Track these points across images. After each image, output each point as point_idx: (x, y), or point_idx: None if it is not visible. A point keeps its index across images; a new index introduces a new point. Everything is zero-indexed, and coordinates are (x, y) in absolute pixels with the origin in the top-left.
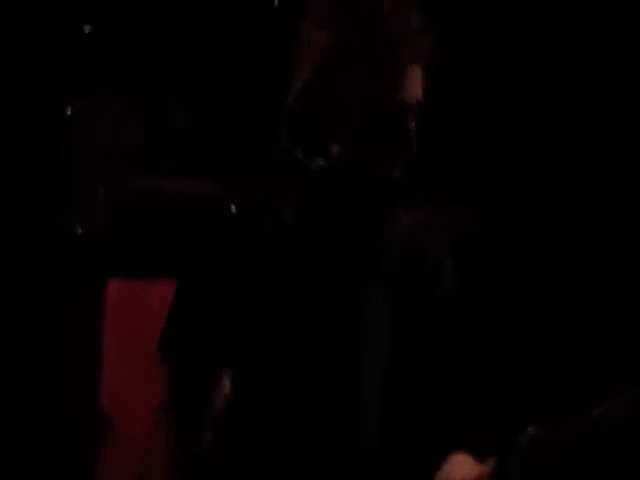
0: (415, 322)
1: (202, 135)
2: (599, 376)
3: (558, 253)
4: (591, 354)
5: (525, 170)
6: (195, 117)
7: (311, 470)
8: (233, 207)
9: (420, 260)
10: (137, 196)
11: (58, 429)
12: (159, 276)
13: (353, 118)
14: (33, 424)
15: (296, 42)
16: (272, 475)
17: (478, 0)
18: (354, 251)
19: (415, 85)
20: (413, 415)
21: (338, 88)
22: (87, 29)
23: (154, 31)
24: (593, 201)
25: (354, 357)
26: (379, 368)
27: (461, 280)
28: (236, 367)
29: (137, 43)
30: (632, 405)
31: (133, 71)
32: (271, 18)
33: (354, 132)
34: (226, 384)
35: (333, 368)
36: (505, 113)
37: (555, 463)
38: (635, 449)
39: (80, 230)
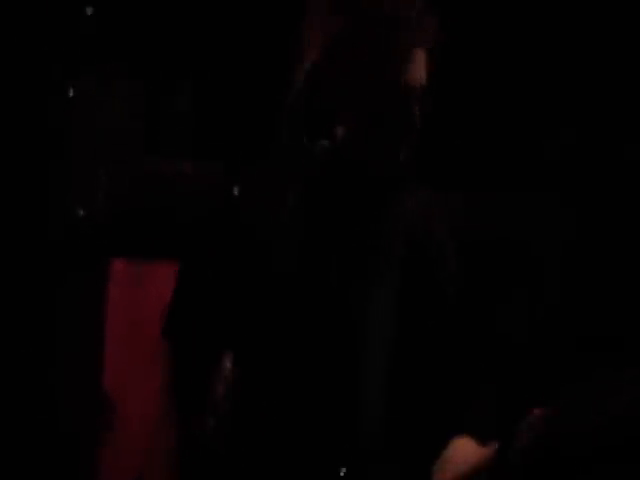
0: (418, 306)
1: (204, 117)
2: (599, 363)
3: (559, 244)
4: (591, 346)
5: (530, 155)
6: (197, 99)
7: (312, 454)
8: (235, 189)
9: (424, 244)
10: (138, 178)
11: (58, 428)
12: (160, 258)
13: (358, 101)
14: (33, 421)
15: (301, 26)
16: (273, 458)
17: None
18: (357, 235)
19: (419, 68)
20: (416, 400)
21: (343, 71)
22: (89, 11)
23: (155, 13)
24: (596, 189)
25: (358, 340)
26: (383, 351)
27: (464, 265)
28: (238, 350)
29: (139, 25)
30: (632, 390)
31: (135, 53)
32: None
33: (359, 115)
34: (228, 367)
35: (336, 350)
36: (510, 97)
37: (556, 448)
38: (635, 435)
39: (81, 212)
